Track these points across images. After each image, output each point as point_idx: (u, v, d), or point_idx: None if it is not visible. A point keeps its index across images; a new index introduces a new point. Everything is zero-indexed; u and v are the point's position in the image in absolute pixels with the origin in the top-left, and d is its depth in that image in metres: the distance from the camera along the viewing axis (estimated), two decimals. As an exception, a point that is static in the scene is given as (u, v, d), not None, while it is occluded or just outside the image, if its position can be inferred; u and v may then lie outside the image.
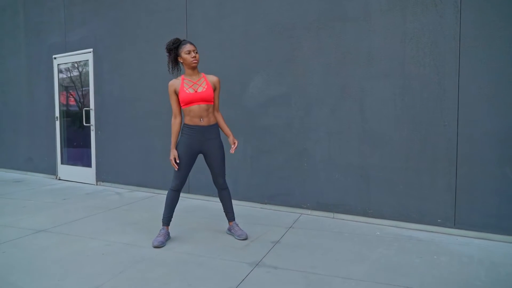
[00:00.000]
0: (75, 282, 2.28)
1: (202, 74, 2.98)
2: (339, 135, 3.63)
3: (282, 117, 3.93)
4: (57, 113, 6.05)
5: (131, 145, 5.13)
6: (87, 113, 5.63)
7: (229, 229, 3.21)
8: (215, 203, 4.35)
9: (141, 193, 4.97)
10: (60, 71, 5.99)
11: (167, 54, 2.94)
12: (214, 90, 3.01)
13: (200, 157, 4.30)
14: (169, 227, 3.06)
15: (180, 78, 2.95)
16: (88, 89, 5.61)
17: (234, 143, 3.07)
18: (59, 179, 6.08)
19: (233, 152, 3.08)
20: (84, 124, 5.67)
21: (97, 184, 5.58)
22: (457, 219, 3.15)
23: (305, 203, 3.85)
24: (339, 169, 3.64)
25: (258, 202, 4.14)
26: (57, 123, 6.06)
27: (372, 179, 3.49)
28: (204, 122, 2.94)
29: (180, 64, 2.97)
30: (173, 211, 3.08)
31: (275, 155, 3.99)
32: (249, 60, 4.09)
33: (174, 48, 2.91)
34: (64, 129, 6.04)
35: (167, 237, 3.03)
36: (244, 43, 4.12)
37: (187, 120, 2.95)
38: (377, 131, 3.44)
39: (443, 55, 3.14)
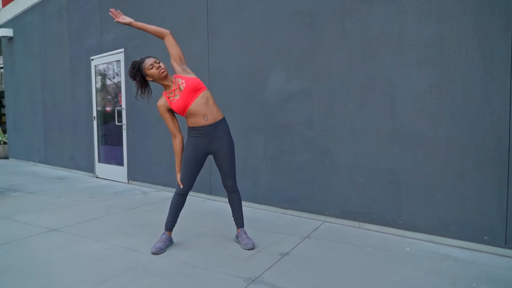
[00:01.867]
0: (57, 289, 2.17)
1: (174, 76, 2.74)
2: (366, 134, 3.18)
3: (303, 114, 3.56)
4: (94, 113, 6.23)
5: (158, 144, 5.07)
6: (119, 113, 5.70)
7: (237, 237, 2.94)
8: (235, 206, 4.11)
9: (166, 193, 4.88)
10: (97, 72, 6.15)
11: (134, 80, 2.72)
12: (183, 66, 2.73)
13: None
14: (172, 232, 2.87)
15: (162, 96, 2.74)
16: (120, 89, 5.67)
17: (124, 19, 2.73)
18: (97, 177, 6.26)
19: (112, 14, 2.74)
20: (116, 123, 5.75)
21: (128, 183, 5.63)
22: (509, 237, 2.57)
23: (328, 210, 3.45)
24: (365, 172, 3.19)
25: (278, 207, 3.81)
26: (95, 122, 6.23)
27: (403, 185, 3.00)
28: (209, 120, 2.70)
29: (149, 85, 2.77)
30: (178, 216, 2.88)
31: (296, 155, 3.64)
32: (269, 53, 3.78)
33: (137, 71, 2.69)
34: (101, 129, 6.20)
35: (168, 243, 2.84)
36: (263, 35, 3.81)
37: (191, 123, 2.72)
38: (410, 129, 2.95)
39: (491, 36, 2.57)
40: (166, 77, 2.67)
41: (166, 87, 2.71)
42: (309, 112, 3.52)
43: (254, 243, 2.83)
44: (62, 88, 7.00)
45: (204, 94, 2.68)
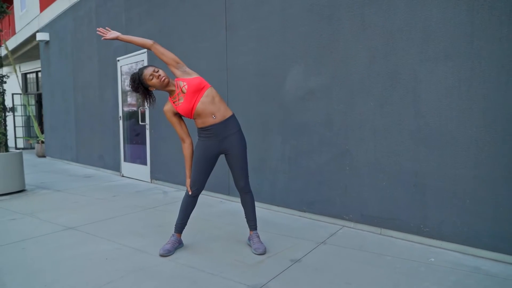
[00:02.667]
0: (59, 289, 2.15)
1: (175, 79, 2.65)
2: (388, 134, 2.95)
3: (321, 112, 3.38)
4: (120, 113, 6.34)
5: (180, 144, 5.05)
6: (143, 113, 5.76)
7: (249, 239, 2.83)
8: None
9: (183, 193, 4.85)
10: (122, 73, 6.25)
11: (137, 93, 2.65)
12: (180, 69, 2.64)
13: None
14: (181, 234, 2.80)
15: (168, 101, 2.67)
16: (144, 89, 5.72)
17: (110, 35, 2.70)
18: (122, 176, 6.37)
19: (100, 33, 2.73)
20: (140, 123, 5.81)
21: (151, 182, 5.67)
22: (551, 250, 2.27)
23: (347, 214, 3.24)
24: (388, 175, 2.97)
25: (296, 210, 3.65)
26: (121, 122, 6.34)
27: (429, 190, 2.75)
28: (217, 118, 2.60)
29: (153, 93, 2.71)
30: (188, 218, 2.81)
31: (314, 156, 3.46)
32: (286, 49, 3.63)
33: (138, 84, 2.61)
34: (126, 128, 6.30)
35: (177, 245, 2.77)
36: (281, 30, 3.66)
37: (200, 124, 2.64)
38: (436, 128, 2.69)
39: (529, 23, 2.28)
40: (168, 83, 2.59)
41: (170, 92, 2.65)
42: (327, 111, 3.33)
43: (265, 248, 2.70)
44: (91, 88, 7.20)
45: (208, 92, 2.59)
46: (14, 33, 11.70)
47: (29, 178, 6.22)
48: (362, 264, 2.46)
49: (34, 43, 10.31)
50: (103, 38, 2.73)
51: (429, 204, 2.75)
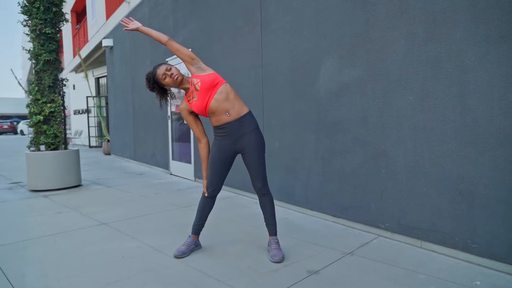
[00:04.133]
0: (68, 284, 2.18)
1: (190, 76, 2.53)
2: (429, 132, 2.56)
3: (355, 109, 3.07)
4: (169, 113, 6.52)
5: (218, 143, 5.03)
6: (188, 112, 5.85)
7: (268, 245, 2.65)
8: (285, 210, 3.78)
9: (223, 193, 4.79)
10: (171, 73, 6.43)
11: (154, 92, 2.60)
12: (195, 65, 2.53)
13: (270, 155, 3.81)
14: (198, 236, 2.72)
15: (184, 99, 2.59)
16: (189, 89, 5.81)
17: (132, 26, 2.63)
18: (171, 174, 6.55)
19: (123, 23, 2.70)
20: (185, 122, 5.91)
21: (195, 181, 5.73)
22: None
23: (383, 222, 2.89)
24: (429, 180, 2.57)
25: (330, 215, 3.37)
26: (169, 122, 6.52)
27: (477, 198, 2.31)
28: (232, 115, 2.47)
29: (169, 92, 2.65)
30: (205, 219, 2.72)
31: (348, 157, 3.15)
32: (319, 41, 3.36)
33: (153, 84, 2.54)
34: (174, 128, 6.46)
35: (193, 247, 2.69)
36: (314, 21, 3.41)
37: (214, 122, 2.54)
38: (486, 126, 2.25)
39: None
40: (182, 81, 2.51)
41: (185, 90, 2.57)
42: (362, 107, 3.01)
43: (283, 256, 2.50)
44: (145, 90, 7.52)
45: (222, 89, 2.46)
46: (87, 40, 12.79)
47: (89, 174, 6.69)
48: (388, 282, 2.14)
49: (102, 49, 11.15)
50: (124, 28, 2.73)
51: (478, 216, 2.31)
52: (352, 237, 2.93)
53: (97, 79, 14.92)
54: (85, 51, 12.55)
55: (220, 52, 4.87)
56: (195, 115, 2.62)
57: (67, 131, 17.72)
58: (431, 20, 2.50)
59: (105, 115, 13.33)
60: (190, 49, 5.55)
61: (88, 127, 13.56)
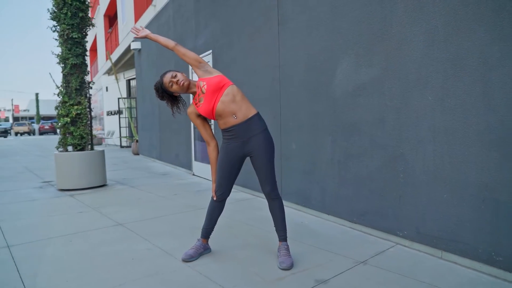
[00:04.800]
0: (75, 286, 2.21)
1: (197, 80, 2.50)
2: (449, 135, 2.38)
3: (372, 109, 2.92)
4: (191, 114, 6.57)
5: (237, 144, 5.00)
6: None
7: (278, 250, 2.57)
8: (302, 214, 3.68)
9: (242, 194, 4.76)
10: (193, 74, 6.47)
11: (164, 100, 2.60)
12: (202, 68, 2.51)
13: (283, 156, 3.72)
14: (207, 240, 2.68)
15: (192, 104, 2.57)
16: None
17: (141, 33, 2.62)
18: (193, 175, 6.59)
19: (134, 31, 2.66)
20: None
21: (215, 182, 5.73)
22: None
23: (401, 230, 2.73)
24: (449, 185, 2.39)
25: (347, 220, 3.24)
26: (192, 123, 6.57)
27: (503, 207, 2.12)
28: (239, 118, 2.42)
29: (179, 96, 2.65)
30: (214, 223, 2.68)
31: (365, 160, 3.01)
32: (336, 39, 3.24)
33: (162, 93, 2.54)
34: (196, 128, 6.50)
35: (202, 250, 2.65)
36: (330, 18, 3.29)
37: (221, 125, 2.50)
38: (513, 128, 2.06)
39: None
40: (189, 86, 2.49)
41: (193, 94, 2.55)
42: (379, 108, 2.86)
43: (291, 263, 2.41)
44: (170, 91, 7.63)
45: (229, 91, 2.41)
46: (118, 44, 13.20)
47: (116, 174, 6.87)
48: (401, 295, 2.00)
49: (132, 52, 11.46)
50: (134, 36, 2.75)
51: (503, 227, 2.12)
52: (368, 245, 2.80)
53: (128, 81, 15.37)
54: (116, 54, 12.96)
55: (239, 52, 4.83)
56: (203, 118, 2.59)
57: (100, 132, 18.40)
58: (452, 14, 2.32)
59: (134, 116, 13.71)
60: (211, 50, 5.57)
61: (120, 127, 13.99)
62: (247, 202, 4.33)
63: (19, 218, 3.81)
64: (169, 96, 2.58)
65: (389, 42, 2.75)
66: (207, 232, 2.68)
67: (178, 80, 2.45)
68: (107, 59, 15.12)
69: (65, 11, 5.36)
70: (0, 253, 2.78)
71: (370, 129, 2.95)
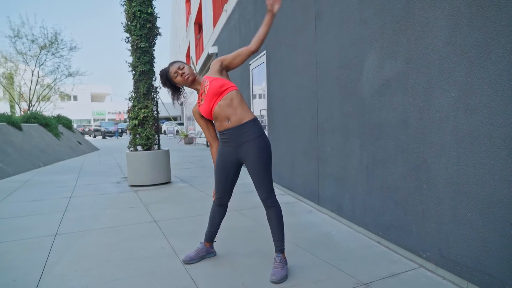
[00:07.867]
0: (79, 276, 2.41)
1: (204, 77, 2.43)
2: (473, 139, 1.93)
3: (396, 109, 2.54)
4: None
5: (283, 145, 4.87)
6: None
7: (273, 261, 2.42)
8: (334, 222, 3.40)
9: (287, 198, 4.62)
10: (253, 75, 6.52)
11: (167, 89, 2.57)
12: (222, 71, 2.43)
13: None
14: (210, 243, 2.66)
15: (196, 103, 2.53)
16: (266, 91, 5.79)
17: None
18: (253, 175, 6.63)
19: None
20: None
21: (268, 183, 5.68)
22: None
23: (424, 251, 2.32)
24: (474, 202, 1.94)
25: (374, 233, 2.89)
26: (251, 123, 6.63)
27: (535, 234, 1.63)
28: (232, 122, 2.34)
29: (182, 88, 2.59)
30: (216, 227, 2.65)
31: (390, 166, 2.64)
32: (363, 31, 2.90)
33: (166, 80, 2.50)
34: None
35: (204, 254, 2.65)
36: (359, 9, 2.96)
37: (217, 127, 2.45)
38: (547, 132, 1.57)
39: None
40: (193, 81, 2.47)
41: (197, 91, 2.53)
42: (403, 107, 2.47)
43: (282, 276, 2.24)
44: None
45: (228, 95, 2.33)
46: (203, 49, 14.06)
47: (184, 172, 7.33)
48: (385, 330, 1.69)
49: (213, 57, 12.09)
50: (274, 10, 2.53)
51: (536, 259, 1.63)
52: (386, 264, 2.44)
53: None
54: (201, 60, 13.82)
55: (285, 51, 4.70)
56: (206, 119, 2.57)
57: (192, 132, 19.82)
58: (476, -10, 1.87)
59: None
60: (265, 51, 5.53)
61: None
62: (289, 206, 4.18)
63: (82, 210, 4.32)
64: (171, 85, 2.57)
65: (412, 31, 2.36)
66: (209, 235, 2.66)
67: (183, 73, 2.45)
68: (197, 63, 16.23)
69: (135, 23, 5.90)
70: (45, 241, 3.20)
71: (394, 131, 2.57)
